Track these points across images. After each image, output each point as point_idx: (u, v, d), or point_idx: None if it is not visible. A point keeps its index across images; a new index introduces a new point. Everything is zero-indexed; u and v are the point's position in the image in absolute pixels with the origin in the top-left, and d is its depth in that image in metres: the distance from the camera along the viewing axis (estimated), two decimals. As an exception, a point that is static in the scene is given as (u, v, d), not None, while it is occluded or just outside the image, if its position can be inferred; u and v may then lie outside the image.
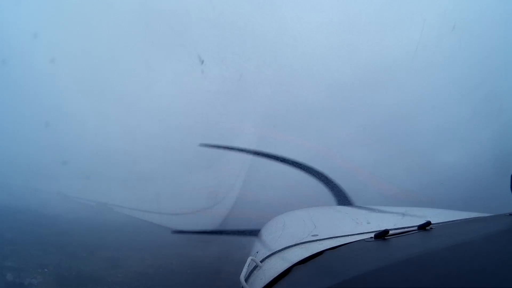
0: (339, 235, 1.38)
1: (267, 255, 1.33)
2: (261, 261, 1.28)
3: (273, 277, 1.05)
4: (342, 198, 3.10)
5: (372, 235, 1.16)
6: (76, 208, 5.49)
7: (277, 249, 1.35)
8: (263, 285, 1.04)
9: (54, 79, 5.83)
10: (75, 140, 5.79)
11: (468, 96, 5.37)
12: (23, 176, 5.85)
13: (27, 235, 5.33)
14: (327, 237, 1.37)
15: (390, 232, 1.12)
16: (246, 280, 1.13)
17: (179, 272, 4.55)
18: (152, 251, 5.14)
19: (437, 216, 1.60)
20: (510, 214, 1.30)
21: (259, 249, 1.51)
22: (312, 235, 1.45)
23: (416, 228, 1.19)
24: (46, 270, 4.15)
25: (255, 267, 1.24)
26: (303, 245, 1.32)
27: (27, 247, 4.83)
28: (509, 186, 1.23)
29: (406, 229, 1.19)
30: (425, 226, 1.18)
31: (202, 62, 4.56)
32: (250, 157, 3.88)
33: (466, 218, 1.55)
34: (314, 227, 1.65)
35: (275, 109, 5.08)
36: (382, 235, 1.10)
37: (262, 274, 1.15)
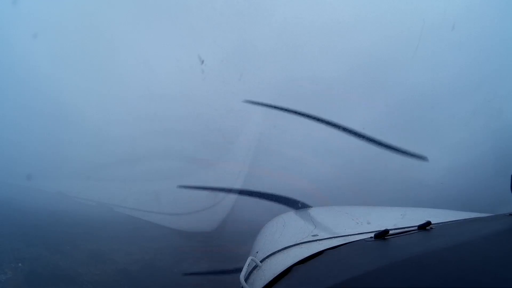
0: (339, 235, 1.37)
1: (267, 255, 1.33)
2: (261, 261, 1.28)
3: (273, 277, 1.05)
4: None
5: (372, 235, 1.16)
6: (71, 203, 5.27)
7: (277, 249, 1.34)
8: (263, 285, 1.04)
9: (54, 78, 5.83)
10: (73, 138, 5.76)
11: (468, 96, 5.38)
12: (19, 174, 5.77)
13: (13, 227, 4.89)
14: (327, 237, 1.37)
15: (390, 232, 1.12)
16: (246, 280, 1.13)
17: (166, 270, 4.27)
18: (142, 244, 4.79)
19: (437, 216, 1.59)
20: (510, 214, 1.30)
21: (259, 249, 1.51)
22: (312, 235, 1.44)
23: (416, 228, 1.19)
24: (20, 265, 3.85)
25: (255, 267, 1.24)
26: (303, 245, 1.32)
27: (11, 239, 4.47)
28: (509, 186, 1.23)
29: (406, 229, 1.19)
30: (425, 226, 1.18)
31: (202, 62, 4.54)
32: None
33: (466, 218, 1.55)
34: (314, 227, 1.65)
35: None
36: (382, 235, 1.10)
37: (262, 274, 1.15)
